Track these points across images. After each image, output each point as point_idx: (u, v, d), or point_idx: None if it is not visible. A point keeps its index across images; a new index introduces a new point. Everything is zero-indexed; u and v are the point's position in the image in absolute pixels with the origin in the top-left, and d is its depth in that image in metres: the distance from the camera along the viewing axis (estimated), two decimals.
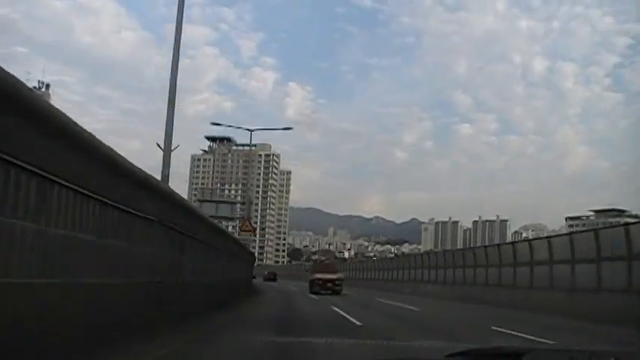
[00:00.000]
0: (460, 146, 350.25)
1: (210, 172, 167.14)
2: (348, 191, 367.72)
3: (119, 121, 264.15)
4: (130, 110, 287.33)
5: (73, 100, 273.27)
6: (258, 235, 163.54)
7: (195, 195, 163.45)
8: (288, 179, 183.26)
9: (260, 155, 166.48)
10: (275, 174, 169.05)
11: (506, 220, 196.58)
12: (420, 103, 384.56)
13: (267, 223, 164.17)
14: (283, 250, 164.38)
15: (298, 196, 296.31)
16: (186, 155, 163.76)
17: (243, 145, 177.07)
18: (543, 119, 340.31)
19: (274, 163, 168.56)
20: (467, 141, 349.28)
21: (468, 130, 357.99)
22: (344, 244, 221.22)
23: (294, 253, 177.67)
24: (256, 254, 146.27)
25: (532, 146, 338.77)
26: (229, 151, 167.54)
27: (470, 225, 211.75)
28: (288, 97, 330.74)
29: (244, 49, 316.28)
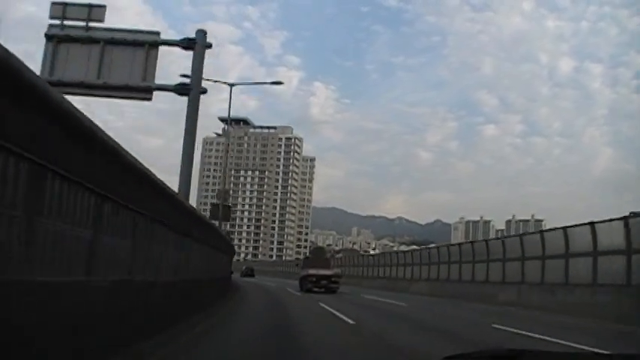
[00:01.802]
0: (485, 147, 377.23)
1: (224, 158, 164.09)
2: (371, 191, 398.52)
3: (144, 119, 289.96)
4: (155, 108, 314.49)
5: (99, 99, 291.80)
6: (276, 229, 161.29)
7: (207, 183, 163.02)
8: (312, 167, 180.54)
9: (280, 139, 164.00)
10: (297, 160, 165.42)
11: (542, 220, 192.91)
12: (445, 103, 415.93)
13: (287, 216, 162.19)
14: (305, 247, 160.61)
15: (321, 196, 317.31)
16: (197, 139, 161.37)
17: (261, 128, 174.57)
18: (569, 121, 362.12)
19: (296, 148, 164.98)
20: (492, 142, 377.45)
21: (493, 131, 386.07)
22: (368, 243, 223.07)
23: (317, 252, 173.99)
24: (274, 249, 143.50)
25: (558, 148, 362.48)
26: (245, 134, 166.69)
27: (502, 225, 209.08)
28: (312, 96, 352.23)
29: (269, 48, 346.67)
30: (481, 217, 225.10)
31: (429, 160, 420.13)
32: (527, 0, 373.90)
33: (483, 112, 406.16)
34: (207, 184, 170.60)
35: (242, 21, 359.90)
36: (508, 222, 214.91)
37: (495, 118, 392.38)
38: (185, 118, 14.32)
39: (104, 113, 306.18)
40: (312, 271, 24.87)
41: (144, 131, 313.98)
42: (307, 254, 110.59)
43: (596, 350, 5.31)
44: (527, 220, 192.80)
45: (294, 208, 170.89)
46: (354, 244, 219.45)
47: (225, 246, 18.17)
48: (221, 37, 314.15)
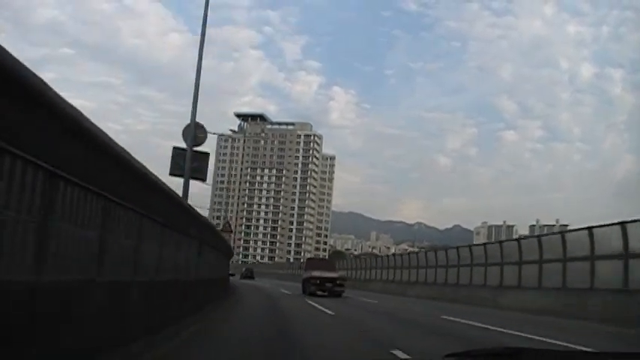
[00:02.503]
0: (504, 153, 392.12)
1: (240, 155, 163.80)
2: (390, 197, 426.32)
3: (163, 123, 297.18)
4: (174, 112, 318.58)
5: (119, 102, 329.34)
6: (294, 231, 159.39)
7: (221, 182, 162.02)
8: (332, 165, 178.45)
9: (299, 136, 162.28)
10: (316, 158, 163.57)
11: (567, 225, 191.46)
12: (464, 109, 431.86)
13: (305, 217, 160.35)
14: (324, 250, 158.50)
15: (339, 201, 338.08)
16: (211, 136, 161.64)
17: (279, 124, 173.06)
18: (590, 126, 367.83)
19: (315, 146, 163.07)
20: (511, 148, 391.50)
21: (512, 137, 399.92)
22: (388, 248, 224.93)
23: (336, 256, 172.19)
24: (292, 252, 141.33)
25: (578, 154, 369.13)
26: (262, 131, 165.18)
27: (526, 230, 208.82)
28: (332, 100, 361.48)
29: (289, 53, 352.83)
30: (504, 222, 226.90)
31: (448, 165, 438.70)
32: (548, 5, 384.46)
33: (503, 118, 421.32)
34: (222, 182, 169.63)
35: (262, 25, 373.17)
36: (532, 227, 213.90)
37: (515, 124, 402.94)
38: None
39: (123, 117, 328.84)
40: (315, 273, 24.55)
41: (162, 135, 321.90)
42: (325, 256, 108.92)
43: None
44: (553, 225, 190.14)
45: (313, 209, 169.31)
46: (373, 248, 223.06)
47: (222, 245, 18.10)
48: (241, 42, 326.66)
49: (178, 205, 7.65)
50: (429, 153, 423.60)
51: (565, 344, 8.25)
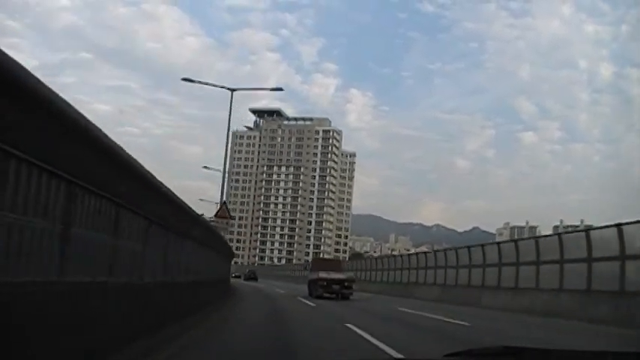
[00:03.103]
0: (523, 154, 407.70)
1: (256, 153, 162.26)
2: (408, 199, 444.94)
3: (181, 127, 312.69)
4: (191, 116, 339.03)
5: (137, 105, 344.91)
6: (313, 231, 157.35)
7: (236, 181, 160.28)
8: (352, 163, 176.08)
9: (317, 132, 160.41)
10: (335, 155, 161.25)
11: (591, 226, 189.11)
12: (482, 110, 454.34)
13: (324, 216, 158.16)
14: (344, 252, 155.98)
15: (357, 203, 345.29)
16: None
17: (296, 119, 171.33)
18: (609, 127, 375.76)
19: (335, 142, 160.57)
20: (530, 149, 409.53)
21: (531, 138, 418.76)
22: (407, 250, 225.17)
23: (355, 258, 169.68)
24: (310, 254, 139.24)
25: (598, 155, 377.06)
26: (279, 127, 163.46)
27: (549, 231, 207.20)
28: (349, 103, 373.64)
29: (305, 55, 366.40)
30: (527, 223, 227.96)
31: (467, 167, 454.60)
32: (566, 4, 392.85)
33: (521, 119, 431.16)
34: (237, 180, 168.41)
35: (279, 28, 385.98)
36: (555, 227, 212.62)
37: (534, 125, 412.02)
38: None
39: (141, 121, 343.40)
40: (322, 274, 24.39)
41: (180, 138, 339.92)
42: (345, 258, 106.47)
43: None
44: (576, 226, 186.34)
45: (333, 207, 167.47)
46: (392, 250, 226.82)
47: (221, 245, 18.49)
48: (258, 45, 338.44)
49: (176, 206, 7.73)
50: (447, 155, 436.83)
51: None
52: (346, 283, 24.36)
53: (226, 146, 25.41)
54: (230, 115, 25.27)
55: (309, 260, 58.50)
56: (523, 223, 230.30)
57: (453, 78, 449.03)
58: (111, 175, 4.48)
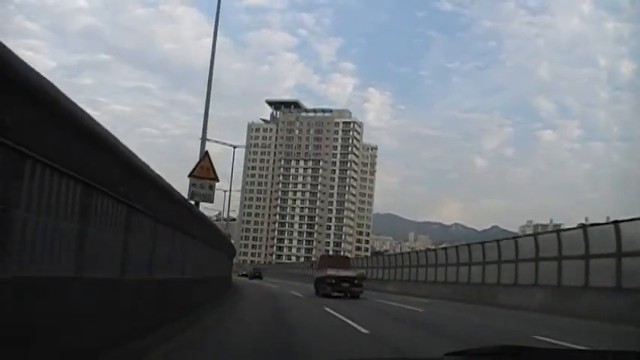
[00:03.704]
0: (542, 153, 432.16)
1: (273, 146, 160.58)
2: (427, 198, 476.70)
3: (199, 127, 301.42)
4: (210, 116, 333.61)
5: (156, 106, 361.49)
6: (333, 229, 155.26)
7: (251, 176, 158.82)
8: (374, 157, 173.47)
9: (337, 124, 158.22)
10: (356, 148, 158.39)
11: (618, 222, 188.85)
12: (501, 109, 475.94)
13: (345, 212, 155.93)
14: (365, 250, 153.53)
15: (376, 202, 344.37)
16: (241, 125, 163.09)
17: (314, 111, 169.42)
18: (629, 125, 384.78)
19: (355, 134, 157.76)
20: (549, 148, 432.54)
21: (550, 137, 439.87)
22: (428, 248, 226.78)
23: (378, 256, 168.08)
24: (330, 252, 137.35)
25: (617, 153, 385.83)
26: (297, 119, 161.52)
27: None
28: (367, 102, 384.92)
29: (323, 55, 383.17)
30: (551, 220, 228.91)
31: (485, 166, 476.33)
32: (585, 2, 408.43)
33: (540, 118, 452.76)
34: (254, 175, 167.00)
35: (297, 28, 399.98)
36: (582, 225, 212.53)
37: (552, 124, 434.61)
38: None
39: (160, 122, 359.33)
40: (331, 272, 24.42)
41: (198, 139, 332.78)
42: (366, 256, 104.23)
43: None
44: (603, 223, 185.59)
45: (353, 203, 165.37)
46: (412, 249, 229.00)
47: (222, 243, 18.84)
48: (276, 45, 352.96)
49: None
50: (465, 154, 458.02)
51: None
52: (356, 281, 24.48)
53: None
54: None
55: (317, 259, 56.77)
56: (546, 221, 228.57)
57: (472, 77, 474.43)
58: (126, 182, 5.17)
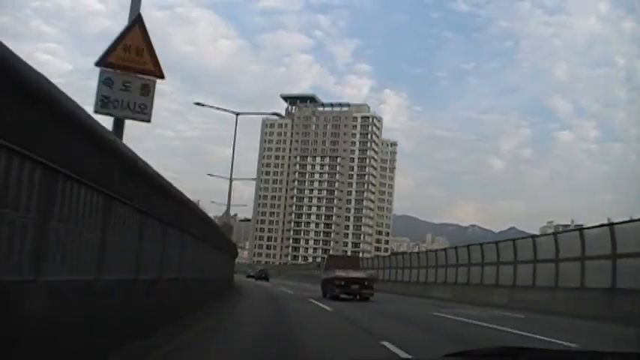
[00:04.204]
0: (559, 154, 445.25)
1: (288, 142, 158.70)
2: (443, 199, 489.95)
3: (214, 129, 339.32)
4: (225, 118, 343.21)
5: (172, 109, 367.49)
6: (351, 228, 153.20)
7: (266, 173, 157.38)
8: (393, 153, 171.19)
9: (355, 118, 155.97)
10: (375, 144, 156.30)
11: None
12: (518, 109, 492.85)
13: (363, 211, 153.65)
14: (386, 250, 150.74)
15: (393, 203, 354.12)
16: (256, 121, 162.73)
17: (331, 105, 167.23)
18: None
19: (375, 130, 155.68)
20: (566, 149, 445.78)
21: (567, 138, 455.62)
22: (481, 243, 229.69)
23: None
24: (349, 252, 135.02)
25: (635, 154, 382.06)
26: (313, 114, 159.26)
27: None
28: (382, 104, 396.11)
29: (339, 56, 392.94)
30: (572, 221, 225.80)
31: (502, 167, 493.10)
32: (603, 1, 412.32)
33: (557, 118, 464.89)
34: (268, 173, 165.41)
35: (313, 29, 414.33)
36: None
37: (570, 124, 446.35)
38: None
39: (176, 124, 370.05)
40: (340, 273, 24.36)
41: (216, 141, 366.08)
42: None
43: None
44: (627, 222, 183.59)
45: (373, 202, 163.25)
46: (429, 251, 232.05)
47: (220, 240, 18.76)
48: (291, 46, 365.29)
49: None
50: (482, 155, 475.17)
51: None
52: (366, 283, 24.43)
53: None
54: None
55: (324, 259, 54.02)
56: (566, 222, 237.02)
57: (488, 77, 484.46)
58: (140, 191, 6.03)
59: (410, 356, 7.43)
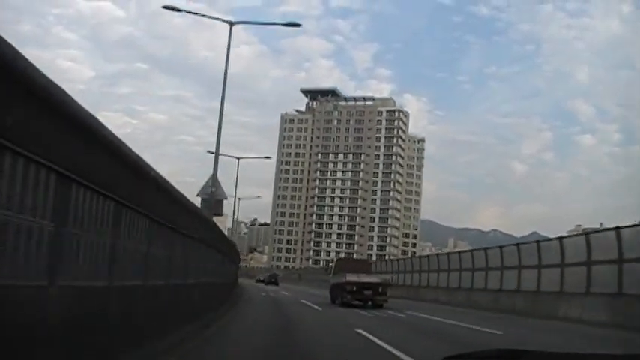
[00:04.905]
0: (581, 158, 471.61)
1: (309, 139, 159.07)
2: (464, 204, 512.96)
3: (236, 135, 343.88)
4: (245, 123, 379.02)
5: (192, 114, 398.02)
6: (376, 230, 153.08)
7: (286, 171, 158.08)
8: (421, 150, 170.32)
9: (380, 113, 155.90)
10: (402, 139, 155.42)
11: None
12: (539, 113, 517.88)
13: (389, 212, 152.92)
14: (414, 253, 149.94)
15: (416, 206, 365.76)
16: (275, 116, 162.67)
17: (355, 99, 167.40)
18: None
19: (401, 125, 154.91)
20: (588, 152, 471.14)
21: (589, 141, 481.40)
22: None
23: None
24: (374, 256, 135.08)
25: None
26: (335, 109, 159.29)
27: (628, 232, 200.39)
28: (404, 108, 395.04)
29: (359, 61, 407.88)
30: (600, 225, 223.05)
31: (523, 171, 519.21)
32: (625, 3, 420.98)
33: (579, 122, 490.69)
34: (287, 171, 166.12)
35: (333, 34, 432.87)
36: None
37: (592, 128, 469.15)
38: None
39: (196, 129, 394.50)
40: (351, 278, 24.00)
41: (232, 146, 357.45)
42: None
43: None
44: None
45: (399, 202, 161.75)
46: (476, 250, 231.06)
47: (222, 243, 19.33)
48: (312, 51, 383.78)
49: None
50: (503, 159, 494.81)
51: None
52: (380, 288, 24.06)
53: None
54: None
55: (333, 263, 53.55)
56: (594, 225, 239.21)
57: (509, 81, 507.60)
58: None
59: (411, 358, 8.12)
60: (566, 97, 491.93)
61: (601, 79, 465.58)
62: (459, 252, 37.74)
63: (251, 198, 72.12)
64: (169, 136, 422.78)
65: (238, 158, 44.39)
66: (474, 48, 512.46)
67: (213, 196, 21.34)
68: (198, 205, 17.33)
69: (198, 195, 21.33)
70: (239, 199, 57.73)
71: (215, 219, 19.36)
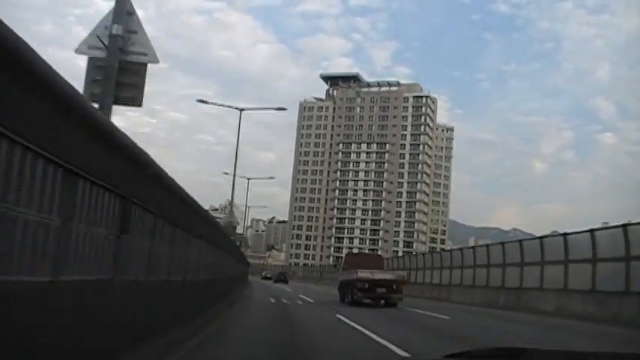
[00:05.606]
0: (602, 156, 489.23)
1: (329, 128, 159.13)
2: (483, 203, 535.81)
3: (255, 134, 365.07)
4: (264, 122, 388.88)
5: (211, 113, 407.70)
6: (402, 224, 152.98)
7: (305, 162, 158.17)
8: (450, 139, 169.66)
9: (405, 99, 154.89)
10: (429, 128, 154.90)
11: None
12: (559, 112, 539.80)
13: (417, 205, 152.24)
14: (442, 250, 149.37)
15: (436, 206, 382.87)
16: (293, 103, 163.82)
17: (378, 85, 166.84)
18: None
19: (429, 112, 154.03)
20: (609, 151, 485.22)
21: (610, 140, 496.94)
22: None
23: None
24: (400, 253, 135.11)
25: None
26: (358, 95, 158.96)
27: None
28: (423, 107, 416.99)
29: (378, 59, 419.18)
30: (628, 222, 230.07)
31: (543, 170, 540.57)
32: None
33: (600, 120, 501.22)
34: (307, 162, 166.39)
35: (352, 33, 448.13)
36: None
37: (612, 126, 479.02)
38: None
39: (215, 128, 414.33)
40: (362, 275, 23.66)
41: (255, 145, 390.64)
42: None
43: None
44: None
45: (427, 195, 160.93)
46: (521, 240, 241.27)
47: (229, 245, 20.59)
48: (330, 50, 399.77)
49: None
50: (523, 158, 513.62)
51: None
52: (395, 286, 23.80)
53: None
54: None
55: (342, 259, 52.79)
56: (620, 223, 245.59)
57: (529, 79, 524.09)
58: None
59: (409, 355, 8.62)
60: (586, 95, 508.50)
61: (622, 76, 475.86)
62: (520, 241, 31.23)
63: (261, 178, 78.53)
64: (188, 135, 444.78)
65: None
66: (493, 46, 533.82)
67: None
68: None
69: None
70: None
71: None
